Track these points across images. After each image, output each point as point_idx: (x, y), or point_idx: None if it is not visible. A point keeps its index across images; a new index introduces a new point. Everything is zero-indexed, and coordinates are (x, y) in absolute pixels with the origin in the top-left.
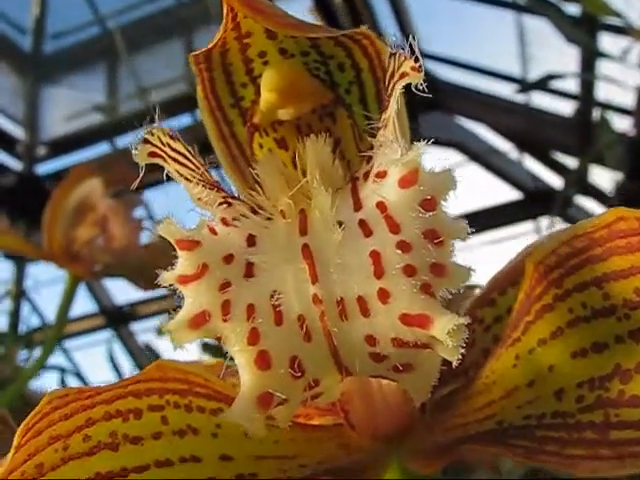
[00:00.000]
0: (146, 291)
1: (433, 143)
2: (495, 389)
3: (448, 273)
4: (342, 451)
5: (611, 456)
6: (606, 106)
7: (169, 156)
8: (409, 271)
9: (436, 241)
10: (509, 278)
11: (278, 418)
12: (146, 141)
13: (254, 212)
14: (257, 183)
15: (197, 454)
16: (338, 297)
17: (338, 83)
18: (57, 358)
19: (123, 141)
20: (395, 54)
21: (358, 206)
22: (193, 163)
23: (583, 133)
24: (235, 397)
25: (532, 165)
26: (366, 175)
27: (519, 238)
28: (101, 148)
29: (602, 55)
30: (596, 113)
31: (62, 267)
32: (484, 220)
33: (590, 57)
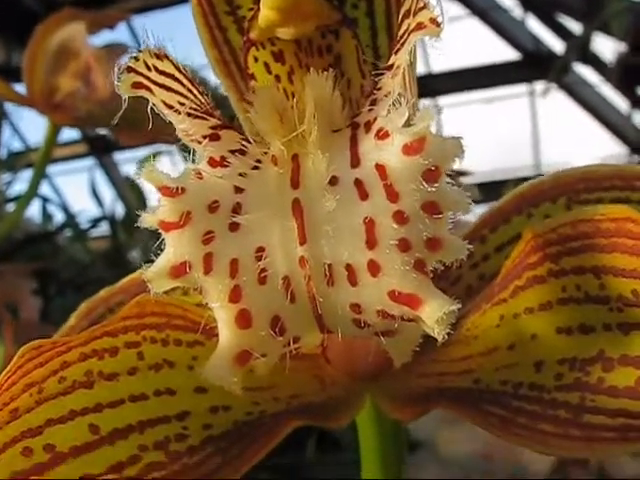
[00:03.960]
0: (130, 142)
1: None
2: (475, 344)
3: (443, 247)
4: (316, 384)
5: (580, 437)
6: None
7: (155, 83)
8: (403, 246)
9: (435, 216)
10: (501, 214)
11: (256, 369)
12: (130, 69)
13: (242, 152)
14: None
15: (172, 387)
16: (326, 262)
17: None
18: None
19: None
20: None
21: (356, 161)
22: (182, 84)
23: None
24: (211, 326)
25: (534, 26)
26: (368, 126)
27: (512, 99)
28: None
29: None
30: None
31: (43, 114)
32: (478, 78)
33: None
